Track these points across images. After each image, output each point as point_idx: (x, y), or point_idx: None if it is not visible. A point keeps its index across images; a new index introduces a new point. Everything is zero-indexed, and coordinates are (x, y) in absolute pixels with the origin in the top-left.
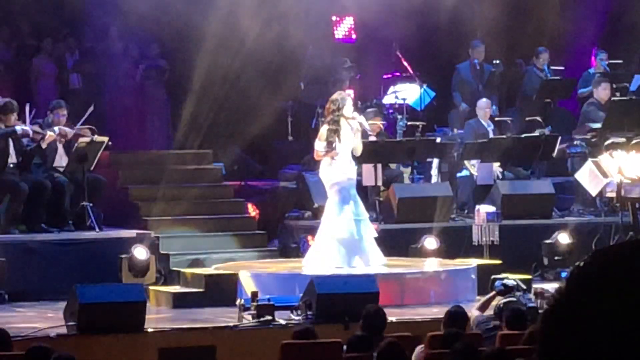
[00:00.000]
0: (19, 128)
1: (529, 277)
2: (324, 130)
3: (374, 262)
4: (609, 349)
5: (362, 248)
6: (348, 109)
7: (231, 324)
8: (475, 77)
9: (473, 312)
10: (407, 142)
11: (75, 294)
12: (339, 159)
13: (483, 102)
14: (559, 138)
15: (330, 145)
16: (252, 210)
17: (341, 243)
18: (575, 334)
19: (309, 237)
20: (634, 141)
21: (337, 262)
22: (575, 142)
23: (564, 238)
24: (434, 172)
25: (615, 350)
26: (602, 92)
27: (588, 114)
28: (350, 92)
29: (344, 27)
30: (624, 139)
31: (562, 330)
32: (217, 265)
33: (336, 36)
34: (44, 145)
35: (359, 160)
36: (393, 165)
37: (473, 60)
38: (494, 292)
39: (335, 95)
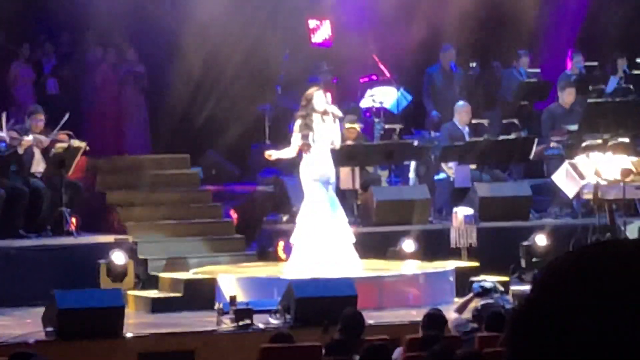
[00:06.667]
0: None
1: (507, 279)
2: (297, 124)
3: (349, 267)
4: (577, 351)
5: (334, 252)
6: (317, 102)
7: (210, 329)
8: (446, 80)
9: (451, 315)
10: (385, 145)
11: (54, 300)
12: (316, 157)
13: (460, 105)
14: (536, 140)
15: (305, 138)
16: (233, 214)
17: (315, 245)
18: (543, 336)
19: (281, 242)
20: (610, 142)
21: (312, 265)
22: (551, 144)
23: (541, 240)
24: (412, 175)
25: (583, 352)
26: (566, 97)
27: (551, 118)
28: (328, 95)
29: (320, 31)
30: (600, 141)
31: (530, 333)
32: (195, 270)
33: (313, 40)
34: (20, 151)
35: (337, 162)
36: (370, 169)
37: (448, 63)
38: (472, 295)
39: (308, 90)
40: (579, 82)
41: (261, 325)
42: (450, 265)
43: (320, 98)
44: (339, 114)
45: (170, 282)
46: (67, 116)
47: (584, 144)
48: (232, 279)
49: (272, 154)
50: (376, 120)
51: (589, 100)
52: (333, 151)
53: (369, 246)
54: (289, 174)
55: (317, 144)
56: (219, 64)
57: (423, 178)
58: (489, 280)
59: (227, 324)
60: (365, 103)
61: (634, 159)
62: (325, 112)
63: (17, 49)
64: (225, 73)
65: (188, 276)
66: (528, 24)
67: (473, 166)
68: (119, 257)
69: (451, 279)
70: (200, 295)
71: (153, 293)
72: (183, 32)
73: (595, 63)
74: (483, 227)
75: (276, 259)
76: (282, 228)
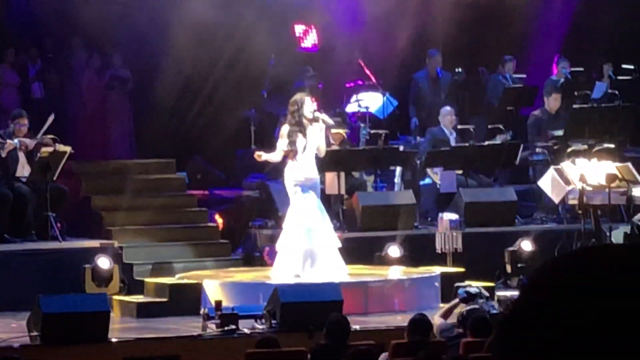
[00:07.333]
0: None
1: (492, 284)
2: (284, 129)
3: (335, 272)
4: (564, 355)
5: (320, 258)
6: (307, 108)
7: (195, 334)
8: (433, 85)
9: (436, 320)
10: (370, 150)
11: (39, 304)
12: (301, 162)
13: (446, 109)
14: (522, 146)
15: (292, 145)
16: (219, 219)
17: (300, 251)
18: (531, 341)
19: (267, 249)
20: (595, 148)
21: (297, 270)
22: (537, 150)
23: (526, 245)
24: (397, 180)
25: (570, 356)
26: (552, 102)
27: (536, 124)
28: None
29: (306, 36)
30: (585, 147)
31: (517, 337)
32: (180, 275)
33: (299, 45)
34: (3, 154)
35: (322, 168)
36: (356, 174)
37: (435, 69)
38: (457, 300)
39: (295, 97)
40: (564, 87)
41: (247, 330)
42: (436, 270)
43: (308, 104)
44: (330, 122)
45: (156, 287)
46: (51, 117)
47: (569, 150)
48: (217, 284)
49: (261, 154)
50: (362, 125)
51: (575, 106)
52: (318, 157)
53: (354, 251)
54: (275, 179)
55: (303, 150)
56: (204, 69)
57: (409, 183)
58: (474, 285)
59: (212, 329)
60: (351, 108)
61: (619, 164)
62: (314, 119)
63: (1, 53)
64: (211, 78)
65: (173, 281)
66: (514, 29)
67: (459, 171)
68: (104, 262)
69: (436, 284)
70: (186, 300)
71: (138, 298)
72: (169, 38)
73: (581, 69)
74: (468, 232)
75: (262, 264)
76: (267, 233)
